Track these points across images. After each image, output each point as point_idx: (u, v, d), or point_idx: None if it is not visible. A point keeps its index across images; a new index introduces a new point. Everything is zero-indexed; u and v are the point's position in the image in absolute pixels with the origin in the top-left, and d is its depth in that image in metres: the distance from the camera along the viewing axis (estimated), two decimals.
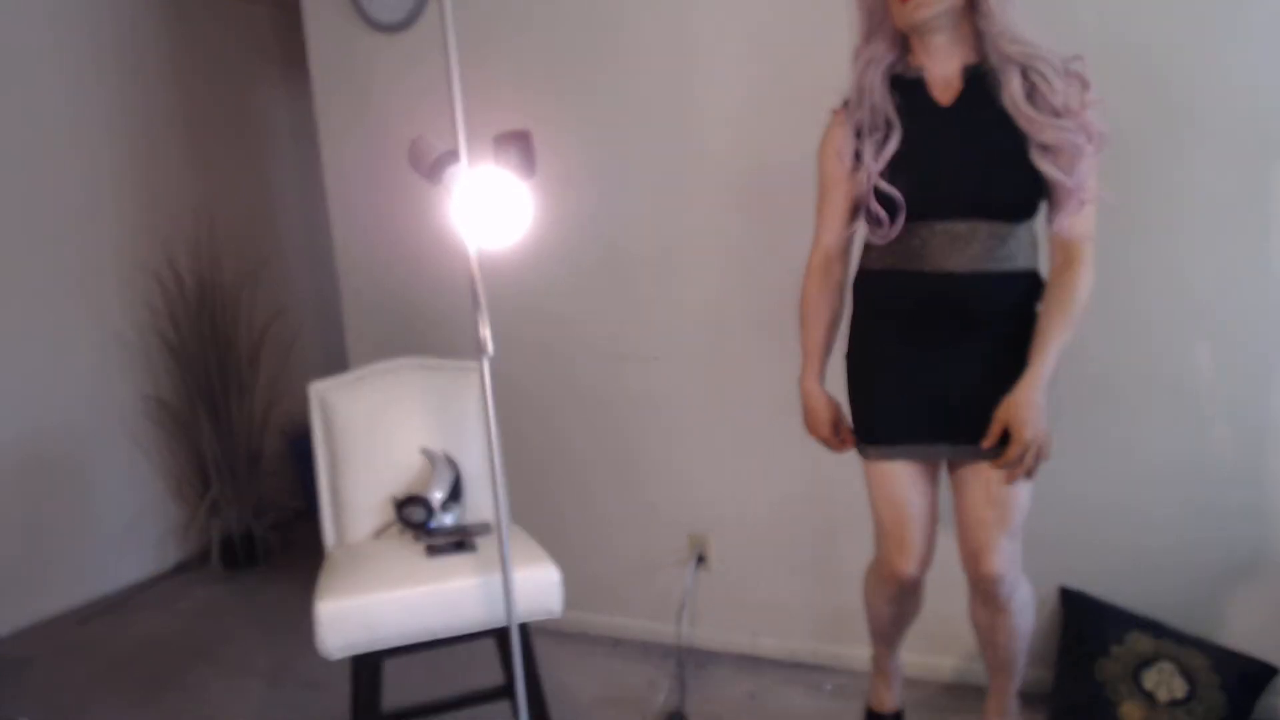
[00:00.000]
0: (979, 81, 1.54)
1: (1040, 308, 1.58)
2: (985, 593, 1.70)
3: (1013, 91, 1.49)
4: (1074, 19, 2.00)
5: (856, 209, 1.68)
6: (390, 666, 1.82)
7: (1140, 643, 2.01)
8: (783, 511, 2.48)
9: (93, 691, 2.63)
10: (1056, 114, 1.47)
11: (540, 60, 2.59)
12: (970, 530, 1.66)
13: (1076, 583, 2.17)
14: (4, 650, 2.97)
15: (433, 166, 1.64)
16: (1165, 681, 1.94)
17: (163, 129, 3.68)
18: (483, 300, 1.54)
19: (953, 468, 1.71)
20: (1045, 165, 1.49)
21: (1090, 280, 1.55)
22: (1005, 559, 1.64)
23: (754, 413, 2.47)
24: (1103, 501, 2.12)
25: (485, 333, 1.54)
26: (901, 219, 1.55)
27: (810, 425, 1.81)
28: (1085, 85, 1.51)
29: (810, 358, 1.77)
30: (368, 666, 1.79)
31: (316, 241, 4.18)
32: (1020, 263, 1.58)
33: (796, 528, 2.46)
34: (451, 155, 1.63)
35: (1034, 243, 1.62)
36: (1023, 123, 1.49)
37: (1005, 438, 1.55)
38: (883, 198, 1.55)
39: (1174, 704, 1.91)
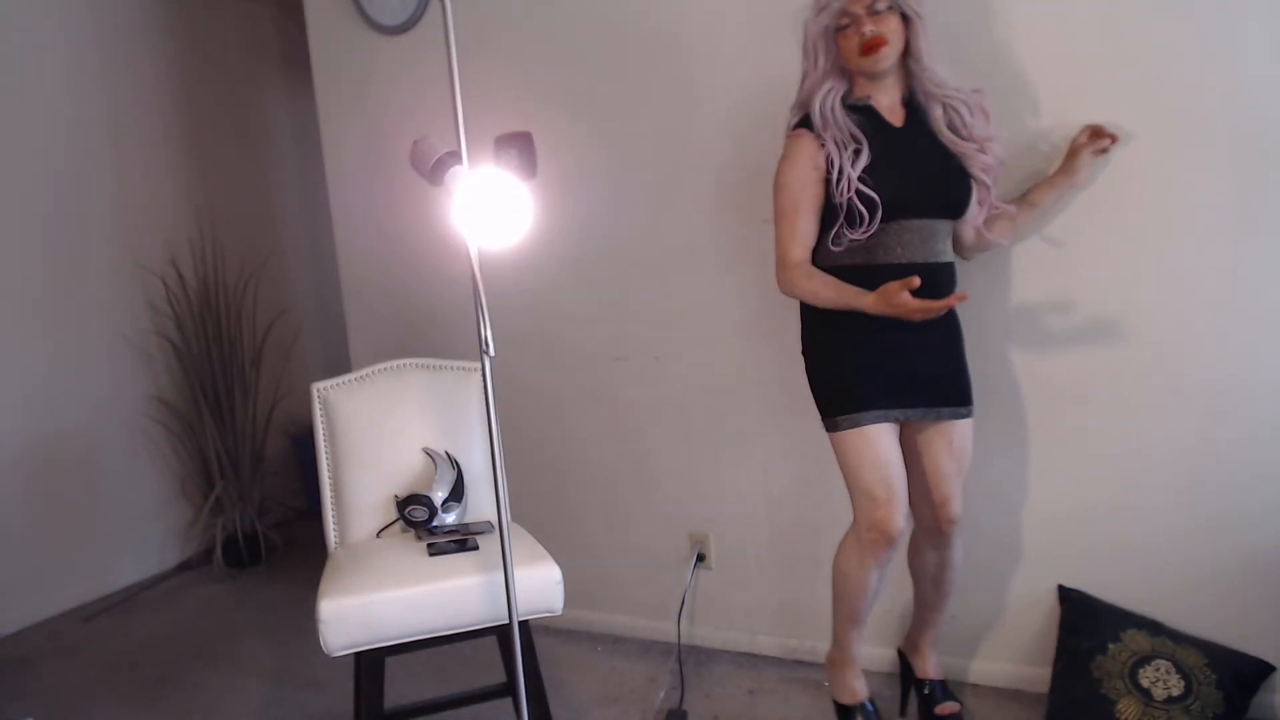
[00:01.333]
0: (917, 108, 1.91)
1: (1024, 202, 2.00)
2: (944, 535, 2.00)
3: (937, 121, 1.89)
4: (1074, 19, 2.01)
5: (820, 215, 1.92)
6: (392, 664, 1.83)
7: (1137, 640, 2.02)
8: (782, 510, 2.49)
9: (95, 690, 2.65)
10: (973, 140, 1.87)
11: (541, 61, 2.60)
12: (938, 482, 1.97)
13: (1074, 581, 2.18)
14: (7, 649, 2.98)
15: (434, 167, 1.65)
16: (1162, 679, 1.95)
17: (165, 129, 3.69)
18: (484, 300, 1.55)
19: (915, 434, 1.97)
20: (979, 173, 1.89)
21: None
22: (961, 502, 1.99)
23: (754, 412, 2.48)
24: (1101, 500, 2.13)
25: (487, 333, 1.55)
26: (879, 217, 1.82)
27: (890, 297, 1.76)
28: (988, 117, 1.90)
29: (846, 291, 1.85)
30: (370, 664, 1.80)
31: (318, 241, 4.20)
32: (950, 256, 1.94)
33: (796, 527, 2.48)
34: (453, 156, 1.64)
35: (950, 239, 1.96)
36: (950, 147, 1.88)
37: (964, 394, 1.96)
38: (863, 200, 1.82)
39: (1170, 701, 1.92)
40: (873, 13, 1.80)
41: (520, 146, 1.79)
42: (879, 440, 1.90)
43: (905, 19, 1.83)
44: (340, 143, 2.98)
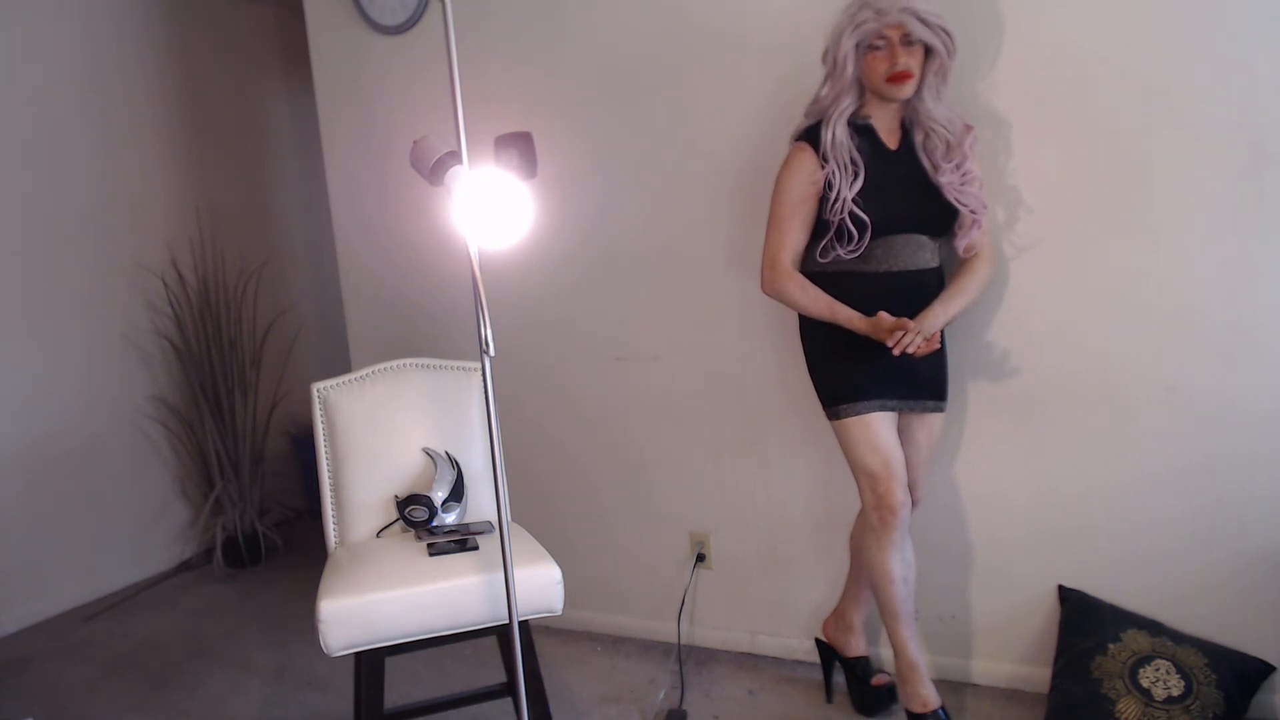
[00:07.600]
0: (910, 134, 2.01)
1: (954, 281, 2.04)
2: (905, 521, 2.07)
3: (919, 147, 2.00)
4: (1076, 19, 2.01)
5: (811, 227, 2.04)
6: (393, 664, 1.83)
7: (1137, 640, 2.02)
8: (782, 511, 2.49)
9: (95, 690, 2.65)
10: (944, 174, 1.97)
11: (541, 61, 2.60)
12: (913, 467, 2.10)
13: (1074, 581, 2.18)
14: (7, 649, 2.98)
15: (434, 167, 1.64)
16: (1162, 679, 1.95)
17: (165, 128, 3.69)
18: (484, 300, 1.55)
19: (900, 423, 2.07)
20: (956, 204, 1.98)
21: (991, 273, 2.07)
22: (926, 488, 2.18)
23: (754, 412, 2.48)
24: (1101, 501, 2.13)
25: (487, 333, 1.55)
26: (868, 236, 1.94)
27: (879, 331, 1.93)
28: (970, 155, 1.98)
29: (840, 311, 1.99)
30: (370, 664, 1.80)
31: (318, 241, 4.20)
32: (935, 263, 2.06)
33: (796, 527, 2.48)
34: (453, 156, 1.64)
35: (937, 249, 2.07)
36: (934, 176, 1.98)
37: (943, 390, 2.09)
38: (854, 220, 1.94)
39: (1170, 701, 1.92)
40: (906, 43, 1.87)
41: (520, 146, 1.79)
42: (878, 426, 2.01)
43: (928, 54, 1.90)
44: (340, 142, 2.98)
